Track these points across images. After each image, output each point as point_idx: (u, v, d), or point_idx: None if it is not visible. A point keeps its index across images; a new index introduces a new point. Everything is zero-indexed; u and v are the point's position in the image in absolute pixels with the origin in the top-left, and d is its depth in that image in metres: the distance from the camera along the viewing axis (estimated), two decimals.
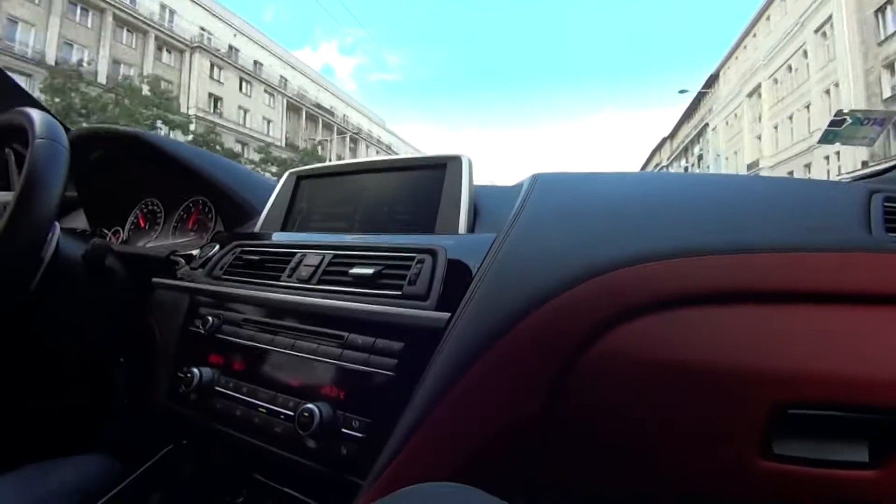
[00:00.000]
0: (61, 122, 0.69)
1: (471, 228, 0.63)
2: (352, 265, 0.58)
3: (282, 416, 0.51)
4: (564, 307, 0.43)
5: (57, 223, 0.66)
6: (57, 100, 11.89)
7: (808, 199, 0.54)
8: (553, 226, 0.53)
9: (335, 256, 0.61)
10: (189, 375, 0.58)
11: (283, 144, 27.06)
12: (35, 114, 0.60)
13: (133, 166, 1.02)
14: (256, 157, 22.44)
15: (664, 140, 41.21)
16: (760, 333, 0.39)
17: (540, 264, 0.47)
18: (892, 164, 0.73)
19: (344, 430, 0.47)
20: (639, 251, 0.44)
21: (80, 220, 1.12)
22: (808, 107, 16.23)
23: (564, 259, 0.46)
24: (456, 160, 0.68)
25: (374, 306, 0.52)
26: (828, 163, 15.24)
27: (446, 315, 0.48)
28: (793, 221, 0.47)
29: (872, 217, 0.46)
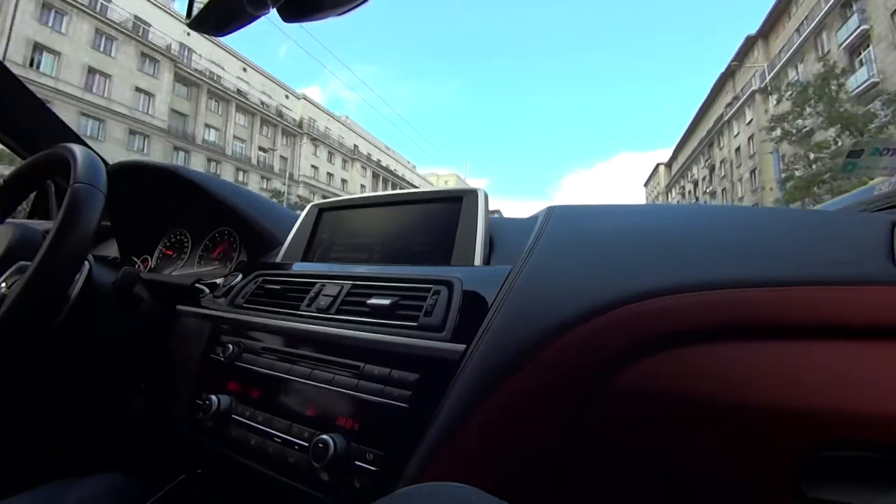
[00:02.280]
0: (101, 157, 0.73)
1: (486, 260, 0.64)
2: (369, 296, 0.59)
3: (296, 447, 0.51)
4: (581, 340, 0.42)
5: (90, 255, 0.70)
6: None
7: (829, 230, 0.52)
8: (569, 258, 0.53)
9: (353, 287, 0.62)
10: (207, 403, 0.58)
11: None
12: (78, 152, 0.63)
13: (164, 198, 1.05)
14: None
15: (727, 76, 28.19)
16: (791, 370, 0.37)
17: (556, 296, 0.47)
18: None
19: (357, 462, 0.46)
20: (657, 284, 0.43)
21: (112, 249, 1.15)
22: None
23: (580, 291, 0.46)
24: (472, 193, 0.70)
25: (390, 337, 0.53)
26: None
27: (462, 347, 0.48)
28: (818, 254, 0.46)
29: None
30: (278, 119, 29.94)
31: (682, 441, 0.38)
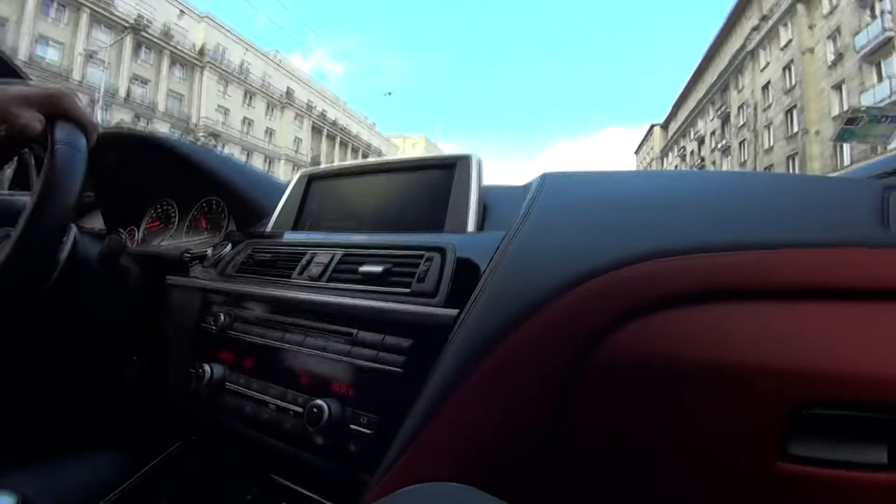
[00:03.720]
0: None
1: (480, 227, 0.63)
2: (361, 263, 0.58)
3: (291, 413, 0.52)
4: (573, 304, 0.42)
5: (73, 225, 0.68)
6: None
7: (822, 195, 0.52)
8: (562, 223, 0.53)
9: (345, 255, 0.61)
10: (200, 372, 0.58)
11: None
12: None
13: (148, 168, 1.02)
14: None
15: None
16: (777, 331, 0.38)
17: (548, 261, 0.47)
18: None
19: (352, 426, 0.47)
20: (649, 247, 0.43)
21: (98, 221, 1.13)
22: None
23: (573, 256, 0.46)
24: (465, 159, 0.69)
25: (383, 303, 0.52)
26: None
27: (455, 312, 0.48)
28: (809, 218, 0.46)
29: (891, 214, 0.44)
30: (164, 41, 22.55)
31: (670, 404, 0.38)
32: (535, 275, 0.46)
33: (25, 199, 0.68)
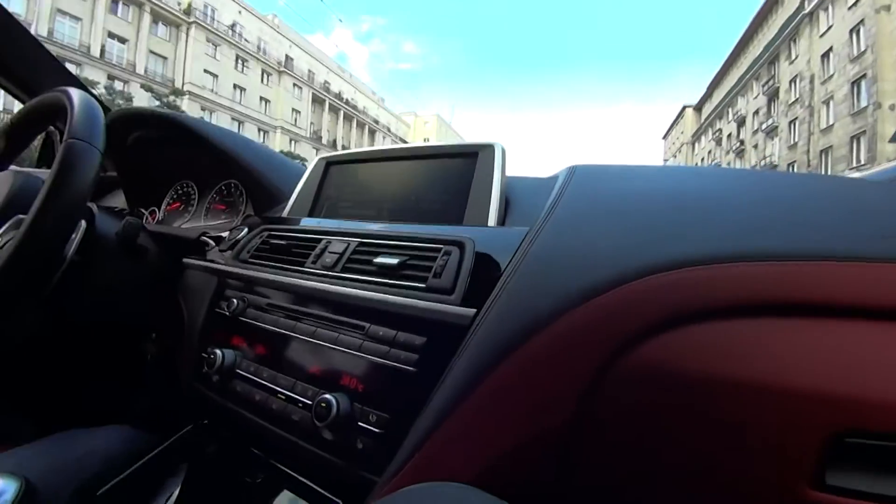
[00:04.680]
0: (101, 103, 0.68)
1: (501, 221, 0.61)
2: (376, 254, 0.57)
3: (300, 405, 0.51)
4: (600, 311, 0.40)
5: (95, 206, 0.70)
6: None
7: (872, 200, 0.48)
8: (591, 222, 0.50)
9: (360, 244, 0.60)
10: (212, 357, 0.58)
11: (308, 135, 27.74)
12: (76, 98, 0.59)
13: (170, 148, 1.02)
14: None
15: None
16: (824, 352, 0.34)
17: (575, 262, 0.44)
18: None
19: (360, 423, 0.46)
20: (686, 253, 0.40)
21: (121, 200, 1.13)
22: None
23: (602, 258, 0.43)
24: (488, 148, 0.66)
25: (397, 298, 0.51)
26: None
27: (472, 311, 0.46)
28: (863, 227, 0.42)
29: None
30: None
31: (699, 424, 0.36)
32: (559, 277, 0.43)
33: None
